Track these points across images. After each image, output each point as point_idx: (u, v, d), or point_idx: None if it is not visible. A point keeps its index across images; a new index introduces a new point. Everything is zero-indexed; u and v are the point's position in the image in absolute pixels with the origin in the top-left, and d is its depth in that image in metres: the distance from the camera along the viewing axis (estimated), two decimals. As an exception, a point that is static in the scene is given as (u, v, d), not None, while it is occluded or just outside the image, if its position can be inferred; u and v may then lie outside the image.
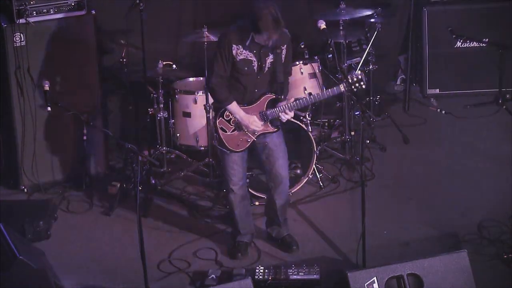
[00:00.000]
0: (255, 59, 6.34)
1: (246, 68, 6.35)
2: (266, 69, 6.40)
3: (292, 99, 6.46)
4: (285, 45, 6.41)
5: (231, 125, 6.50)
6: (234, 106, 6.40)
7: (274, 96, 6.47)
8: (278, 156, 6.58)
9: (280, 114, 6.42)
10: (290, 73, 6.65)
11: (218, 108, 6.52)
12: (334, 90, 6.45)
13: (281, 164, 6.60)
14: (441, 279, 5.77)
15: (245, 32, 6.28)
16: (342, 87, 6.39)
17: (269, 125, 6.50)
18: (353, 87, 6.35)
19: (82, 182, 7.75)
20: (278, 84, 6.45)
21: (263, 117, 6.46)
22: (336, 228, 7.03)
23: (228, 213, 7.00)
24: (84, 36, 7.63)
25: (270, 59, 6.38)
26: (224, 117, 6.49)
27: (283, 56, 6.41)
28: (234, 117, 6.45)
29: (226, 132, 6.50)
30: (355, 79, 6.35)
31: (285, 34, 6.41)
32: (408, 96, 9.17)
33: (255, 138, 6.51)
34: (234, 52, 6.29)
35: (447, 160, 8.05)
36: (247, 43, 6.29)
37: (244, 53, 6.31)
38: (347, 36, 8.10)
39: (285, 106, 6.42)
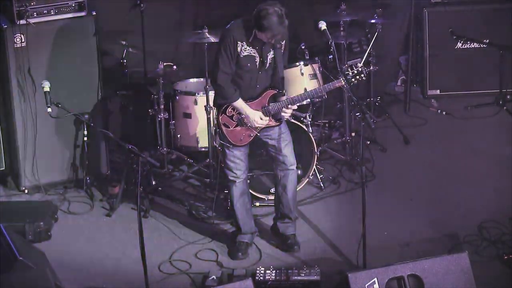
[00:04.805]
0: (257, 55, 6.36)
1: (248, 64, 6.37)
2: (268, 64, 6.42)
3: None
4: (284, 40, 6.44)
5: (234, 121, 6.51)
6: (240, 103, 6.42)
7: (276, 91, 6.49)
8: (285, 142, 6.58)
9: (281, 110, 6.45)
10: (285, 66, 6.66)
11: (220, 105, 6.53)
12: (333, 84, 6.49)
13: (287, 149, 6.60)
14: (441, 280, 5.77)
15: (248, 29, 6.29)
16: (342, 81, 6.41)
17: (272, 119, 6.52)
18: (353, 79, 6.37)
19: (82, 183, 7.75)
20: (279, 79, 6.46)
21: (266, 113, 6.48)
22: (337, 229, 7.04)
23: (229, 214, 7.00)
24: (84, 37, 7.63)
25: (271, 54, 6.41)
26: (227, 113, 6.50)
27: (282, 50, 6.44)
28: (240, 113, 6.45)
29: (229, 128, 6.52)
30: (355, 71, 6.38)
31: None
32: (408, 97, 9.17)
33: (258, 132, 6.53)
34: (239, 49, 6.31)
35: (447, 161, 8.05)
36: (250, 40, 6.31)
37: (248, 49, 6.33)
38: (347, 37, 8.11)
39: (286, 101, 6.44)
